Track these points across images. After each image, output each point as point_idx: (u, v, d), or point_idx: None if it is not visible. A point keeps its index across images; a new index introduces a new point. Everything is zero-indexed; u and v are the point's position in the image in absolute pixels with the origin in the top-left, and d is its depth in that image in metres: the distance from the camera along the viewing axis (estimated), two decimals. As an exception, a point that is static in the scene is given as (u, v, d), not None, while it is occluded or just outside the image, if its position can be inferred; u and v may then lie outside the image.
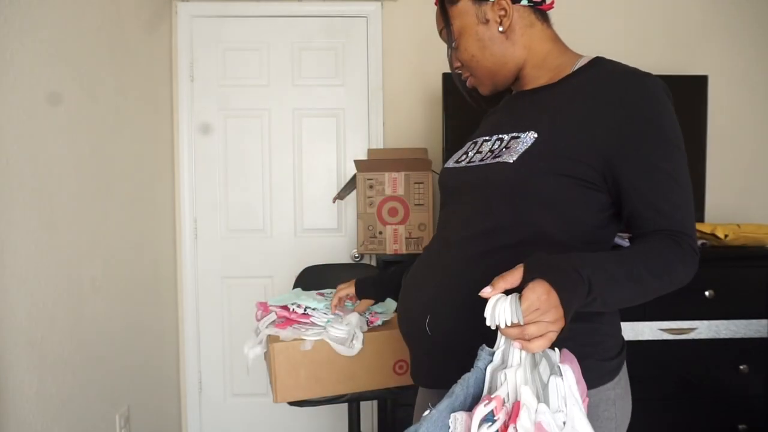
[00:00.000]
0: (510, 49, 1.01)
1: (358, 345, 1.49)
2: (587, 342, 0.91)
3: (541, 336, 0.70)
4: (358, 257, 2.57)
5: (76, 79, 1.74)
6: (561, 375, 0.71)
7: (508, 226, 0.93)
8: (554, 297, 0.71)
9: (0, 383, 1.39)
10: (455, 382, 0.89)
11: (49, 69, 1.61)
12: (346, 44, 2.59)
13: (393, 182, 2.19)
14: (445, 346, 0.97)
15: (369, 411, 2.58)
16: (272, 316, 1.57)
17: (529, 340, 0.71)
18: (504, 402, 0.70)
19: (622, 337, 1.01)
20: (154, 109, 2.39)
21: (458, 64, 1.07)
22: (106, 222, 1.92)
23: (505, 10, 0.98)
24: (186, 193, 2.59)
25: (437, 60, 2.56)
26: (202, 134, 2.59)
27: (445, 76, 2.34)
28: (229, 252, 2.62)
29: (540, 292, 0.71)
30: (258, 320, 1.63)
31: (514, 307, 0.71)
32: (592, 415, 0.90)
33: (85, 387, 1.77)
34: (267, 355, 1.56)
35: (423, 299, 1.01)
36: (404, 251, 2.18)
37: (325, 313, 1.54)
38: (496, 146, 0.99)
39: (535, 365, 0.74)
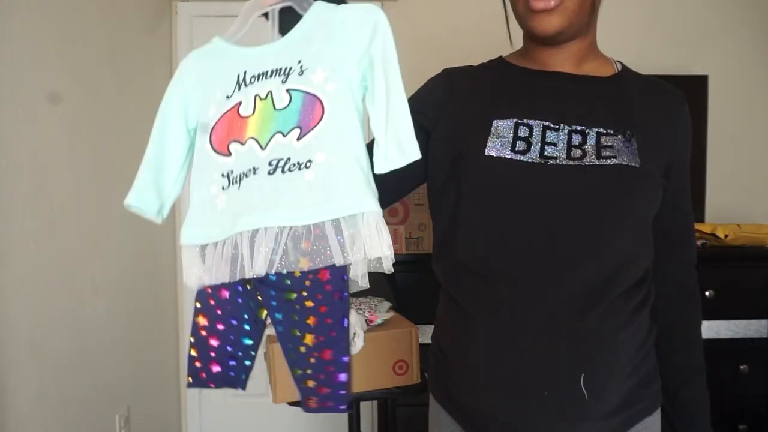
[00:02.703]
0: (596, 9, 0.87)
1: (359, 343, 1.49)
2: (653, 360, 0.90)
3: None
4: (358, 257, 2.57)
5: (76, 79, 1.74)
6: None
7: (641, 250, 0.83)
8: None
9: (0, 383, 1.39)
10: None
11: (49, 69, 1.61)
12: (346, 44, 2.58)
13: (393, 182, 2.19)
14: (604, 410, 0.79)
15: (369, 411, 2.57)
16: (272, 316, 1.57)
17: None
18: None
19: None
20: (154, 109, 2.38)
21: None
22: (106, 222, 1.92)
23: None
24: (186, 193, 2.59)
25: (437, 60, 2.55)
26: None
27: (445, 76, 2.34)
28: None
29: None
30: (258, 320, 1.62)
31: None
32: None
33: (85, 387, 1.77)
34: (267, 356, 1.56)
35: (565, 358, 0.77)
36: (404, 251, 2.18)
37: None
38: (578, 141, 0.81)
39: None
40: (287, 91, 0.59)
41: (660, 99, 0.89)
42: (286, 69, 0.59)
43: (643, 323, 0.84)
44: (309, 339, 0.59)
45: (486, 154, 0.81)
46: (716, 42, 2.59)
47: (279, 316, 0.60)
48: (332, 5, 0.63)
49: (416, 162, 0.68)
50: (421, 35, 2.58)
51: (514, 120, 0.83)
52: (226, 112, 0.61)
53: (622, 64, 0.93)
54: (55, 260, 1.62)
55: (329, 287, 0.58)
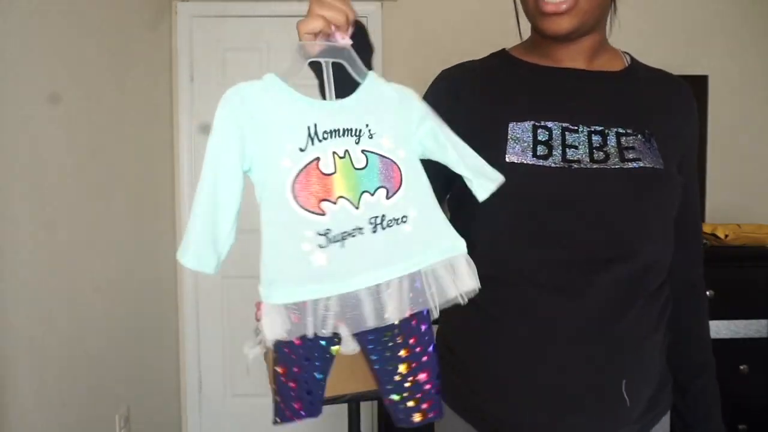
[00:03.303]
0: (607, 7, 0.83)
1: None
2: (664, 358, 0.88)
3: None
4: (358, 257, 2.57)
5: (76, 79, 1.74)
6: None
7: (666, 250, 0.82)
8: None
9: (0, 383, 1.39)
10: None
11: (49, 69, 1.61)
12: (346, 44, 2.59)
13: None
14: (637, 414, 0.79)
15: (369, 411, 2.57)
16: (272, 316, 1.57)
17: None
18: None
19: None
20: (154, 109, 2.38)
21: None
22: (106, 222, 1.92)
23: None
24: (186, 193, 2.59)
25: (437, 60, 2.55)
26: (202, 134, 2.59)
27: (445, 76, 2.34)
28: (229, 252, 2.61)
29: None
30: (258, 320, 1.63)
31: None
32: None
33: (85, 387, 1.77)
34: (267, 356, 1.56)
35: (603, 365, 0.76)
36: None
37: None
38: (599, 142, 0.79)
39: None
40: (362, 151, 0.62)
41: (670, 94, 0.88)
42: (356, 130, 0.62)
43: (665, 323, 0.84)
44: (403, 368, 0.65)
45: (507, 160, 0.77)
46: (716, 42, 2.59)
47: (375, 357, 0.67)
48: (382, 79, 0.67)
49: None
50: (421, 34, 2.58)
51: (532, 122, 0.79)
52: (305, 167, 0.60)
53: (630, 56, 0.91)
54: (55, 260, 1.62)
55: (415, 321, 0.65)
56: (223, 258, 0.66)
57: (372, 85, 0.65)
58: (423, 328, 0.66)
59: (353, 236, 0.60)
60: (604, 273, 0.75)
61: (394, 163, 0.63)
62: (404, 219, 0.62)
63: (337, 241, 0.60)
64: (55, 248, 1.62)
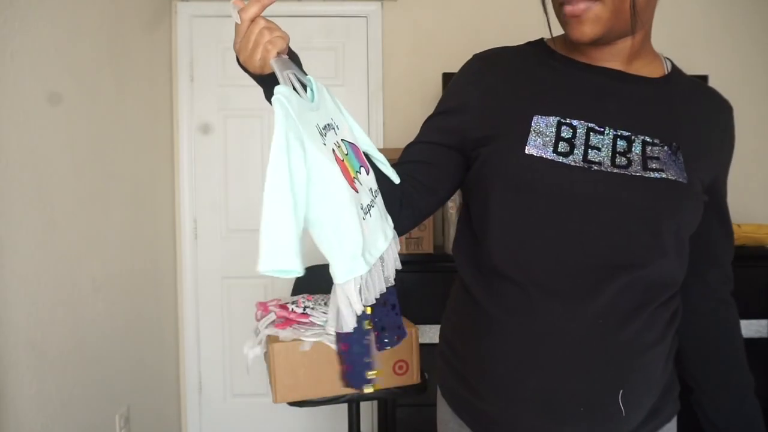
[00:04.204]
0: (650, 4, 0.79)
1: (358, 344, 1.49)
2: (672, 366, 0.87)
3: None
4: (358, 257, 2.57)
5: (75, 79, 1.74)
6: None
7: (679, 265, 0.80)
8: None
9: (0, 383, 1.39)
10: None
11: (49, 69, 1.61)
12: (346, 44, 2.59)
13: (393, 182, 2.19)
14: (635, 423, 0.79)
15: (369, 411, 2.57)
16: (272, 316, 1.58)
17: None
18: None
19: None
20: (153, 108, 2.39)
21: None
22: (106, 222, 1.92)
23: None
24: (186, 193, 2.59)
25: (437, 60, 2.56)
26: (202, 134, 2.59)
27: (445, 76, 2.34)
28: (229, 252, 2.61)
29: None
30: (258, 320, 1.63)
31: None
32: None
33: (85, 387, 1.77)
34: (267, 356, 1.56)
35: (603, 373, 0.76)
36: (404, 251, 2.18)
37: (324, 312, 1.54)
38: (623, 147, 0.77)
39: None
40: (342, 140, 0.73)
41: (708, 108, 0.85)
42: (331, 125, 0.73)
43: (673, 335, 0.84)
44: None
45: (526, 152, 0.76)
46: (716, 42, 2.59)
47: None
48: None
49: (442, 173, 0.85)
50: (421, 34, 2.58)
51: (557, 118, 0.78)
52: (336, 156, 0.70)
53: (671, 62, 0.89)
54: (55, 260, 1.62)
55: None
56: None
57: (316, 85, 0.74)
58: None
59: (372, 206, 0.73)
60: (610, 280, 0.74)
61: (358, 146, 0.76)
62: (377, 191, 0.75)
63: (368, 212, 0.71)
64: (55, 248, 1.62)
